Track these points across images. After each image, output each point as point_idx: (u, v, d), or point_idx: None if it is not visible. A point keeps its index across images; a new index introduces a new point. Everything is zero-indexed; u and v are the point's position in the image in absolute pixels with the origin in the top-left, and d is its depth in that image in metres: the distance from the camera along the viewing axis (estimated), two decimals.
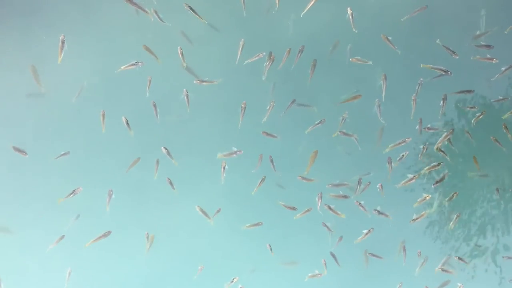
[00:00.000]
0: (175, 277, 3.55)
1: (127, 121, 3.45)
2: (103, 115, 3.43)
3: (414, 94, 3.53)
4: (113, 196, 3.42)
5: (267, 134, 3.59)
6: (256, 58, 3.56)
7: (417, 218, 3.54)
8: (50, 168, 3.42)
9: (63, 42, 3.32)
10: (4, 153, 3.39)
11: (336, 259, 3.55)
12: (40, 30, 3.48)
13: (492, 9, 3.62)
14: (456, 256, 3.57)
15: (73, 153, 3.45)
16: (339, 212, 3.53)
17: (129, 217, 3.51)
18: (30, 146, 3.41)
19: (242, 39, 3.54)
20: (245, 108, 3.56)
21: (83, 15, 3.53)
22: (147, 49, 3.45)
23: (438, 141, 3.58)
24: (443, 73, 3.52)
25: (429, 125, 3.59)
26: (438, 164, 3.57)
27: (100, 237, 3.37)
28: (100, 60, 3.51)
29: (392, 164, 3.54)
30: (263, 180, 3.57)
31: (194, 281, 3.52)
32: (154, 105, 3.51)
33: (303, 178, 3.57)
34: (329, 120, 3.60)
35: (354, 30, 3.51)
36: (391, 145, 3.55)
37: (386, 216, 3.54)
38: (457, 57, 3.51)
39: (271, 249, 3.56)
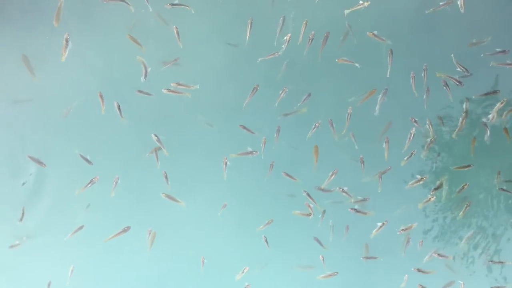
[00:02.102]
0: (176, 275, 3.51)
1: (119, 106, 3.38)
2: (101, 96, 3.37)
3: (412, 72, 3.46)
4: (118, 182, 3.39)
5: (244, 128, 3.48)
6: (271, 56, 3.48)
7: (405, 229, 3.48)
8: (51, 167, 3.40)
9: (67, 41, 3.30)
10: (4, 151, 3.40)
11: (321, 243, 3.49)
12: (40, 30, 3.42)
13: (493, 9, 3.57)
14: (436, 253, 3.50)
15: (73, 153, 3.41)
16: (317, 203, 3.48)
17: (131, 215, 3.45)
18: (31, 146, 3.41)
19: (251, 18, 3.43)
20: (257, 89, 3.47)
21: (83, 15, 3.48)
22: (131, 38, 3.40)
23: (457, 128, 3.51)
24: (457, 83, 3.46)
25: (416, 119, 3.51)
26: (468, 166, 3.51)
27: (120, 233, 3.36)
28: (102, 60, 3.47)
29: (388, 144, 3.47)
30: (272, 166, 3.49)
31: (195, 279, 3.48)
32: (140, 92, 3.43)
33: (287, 175, 3.48)
34: (335, 119, 3.52)
35: (346, 11, 3.42)
36: (406, 145, 3.47)
37: (365, 214, 3.48)
38: (470, 75, 3.46)
39: (266, 241, 3.47)
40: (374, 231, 3.48)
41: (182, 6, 3.41)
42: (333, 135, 3.51)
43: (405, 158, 3.49)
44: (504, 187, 3.54)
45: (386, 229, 3.49)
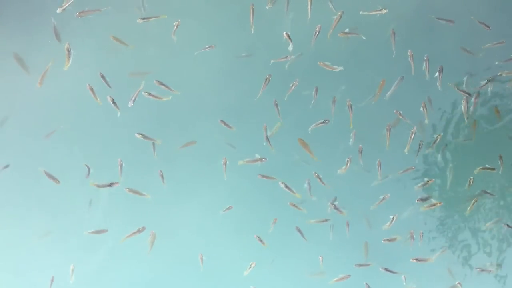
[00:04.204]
0: (176, 274, 3.45)
1: (113, 99, 3.27)
2: (91, 89, 3.26)
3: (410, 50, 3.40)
4: (123, 165, 3.32)
5: (224, 123, 3.39)
6: (283, 59, 3.40)
7: (390, 240, 3.43)
8: (52, 167, 3.33)
9: (69, 50, 3.22)
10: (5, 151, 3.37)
11: (302, 234, 3.40)
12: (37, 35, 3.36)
13: (492, 10, 3.59)
14: (413, 259, 3.42)
15: (74, 153, 3.37)
16: (295, 192, 3.40)
17: (130, 216, 3.39)
18: (31, 147, 3.36)
19: (252, 4, 3.35)
20: (269, 79, 3.37)
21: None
22: (116, 39, 3.33)
23: (463, 110, 3.45)
24: (467, 95, 3.45)
25: (401, 111, 3.44)
26: (493, 168, 3.47)
27: (134, 233, 3.30)
28: (102, 61, 3.40)
29: (390, 131, 3.39)
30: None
31: (195, 280, 3.42)
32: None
33: (263, 176, 3.39)
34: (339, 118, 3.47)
35: (361, 12, 3.39)
36: (407, 146, 3.42)
37: (341, 212, 3.41)
38: (471, 97, 3.46)
39: (260, 240, 3.38)
40: (386, 225, 3.40)
41: (153, 18, 3.33)
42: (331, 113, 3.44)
43: (416, 154, 3.44)
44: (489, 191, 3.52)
45: (390, 229, 3.42)
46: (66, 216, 3.35)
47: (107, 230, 3.30)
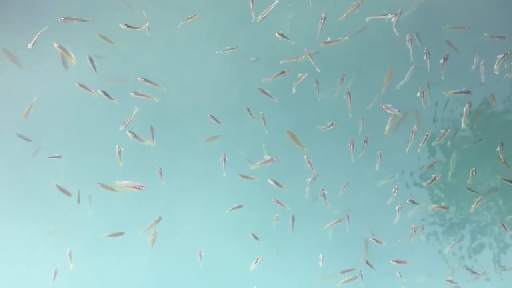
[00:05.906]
0: (177, 273, 3.45)
1: (105, 92, 3.24)
2: (82, 85, 3.22)
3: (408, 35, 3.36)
4: (122, 149, 3.27)
5: (214, 118, 3.37)
6: (294, 59, 3.36)
7: (378, 241, 3.41)
8: (48, 166, 3.34)
9: (61, 48, 3.16)
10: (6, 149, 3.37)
11: (293, 226, 3.38)
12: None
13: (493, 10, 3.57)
14: (394, 260, 3.38)
15: (73, 152, 3.37)
16: (282, 185, 3.37)
17: (132, 214, 3.40)
18: (31, 145, 3.34)
19: None
20: (285, 73, 3.33)
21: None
22: (102, 37, 3.28)
23: (464, 115, 3.39)
24: (465, 93, 3.40)
25: (390, 105, 3.36)
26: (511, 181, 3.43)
27: (152, 224, 3.30)
28: (102, 62, 3.33)
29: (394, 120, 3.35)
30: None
31: (196, 278, 3.42)
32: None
33: (243, 176, 3.36)
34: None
35: (368, 18, 3.36)
36: (408, 145, 3.39)
37: (326, 204, 3.38)
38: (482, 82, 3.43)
39: (255, 237, 3.37)
40: (396, 218, 3.36)
41: (138, 29, 3.29)
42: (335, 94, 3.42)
43: (421, 144, 3.38)
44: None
45: (391, 228, 3.41)
46: (67, 215, 3.35)
47: (124, 233, 3.28)
